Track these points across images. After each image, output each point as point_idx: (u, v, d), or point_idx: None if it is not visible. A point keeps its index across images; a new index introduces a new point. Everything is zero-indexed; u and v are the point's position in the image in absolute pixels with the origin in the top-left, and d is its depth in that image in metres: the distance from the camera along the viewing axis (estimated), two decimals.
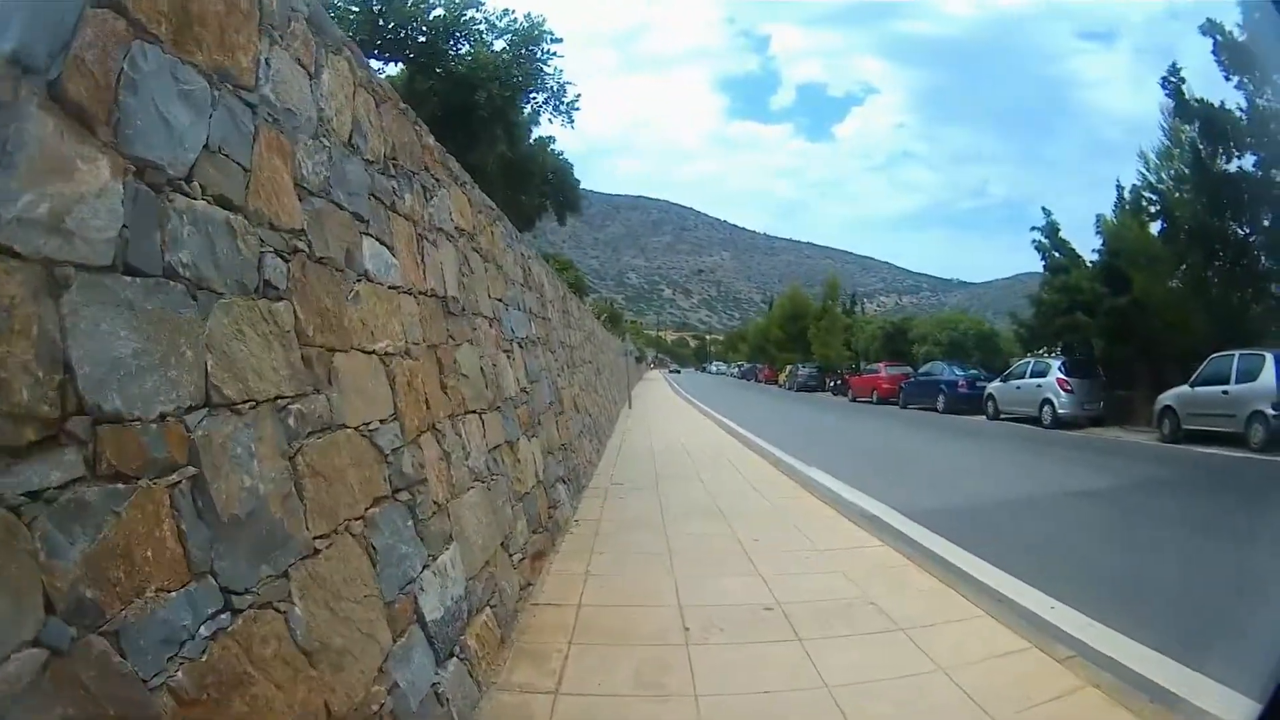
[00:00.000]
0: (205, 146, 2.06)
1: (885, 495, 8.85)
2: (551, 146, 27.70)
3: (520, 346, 6.39)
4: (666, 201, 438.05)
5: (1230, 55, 17.25)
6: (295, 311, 2.49)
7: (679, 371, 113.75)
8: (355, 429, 2.81)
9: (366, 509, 2.76)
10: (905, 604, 4.86)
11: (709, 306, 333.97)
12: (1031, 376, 20.32)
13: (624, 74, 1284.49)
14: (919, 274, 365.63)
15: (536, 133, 26.08)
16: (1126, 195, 21.20)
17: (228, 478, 1.95)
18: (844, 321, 48.54)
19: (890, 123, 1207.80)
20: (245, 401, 2.09)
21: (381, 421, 3.04)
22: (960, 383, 24.92)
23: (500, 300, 5.87)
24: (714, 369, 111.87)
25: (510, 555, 4.56)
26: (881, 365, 33.81)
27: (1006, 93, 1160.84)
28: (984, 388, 23.33)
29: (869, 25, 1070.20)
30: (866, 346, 43.12)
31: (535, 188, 26.54)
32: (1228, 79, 17.52)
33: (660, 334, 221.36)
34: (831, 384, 42.40)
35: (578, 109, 24.76)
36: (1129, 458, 13.79)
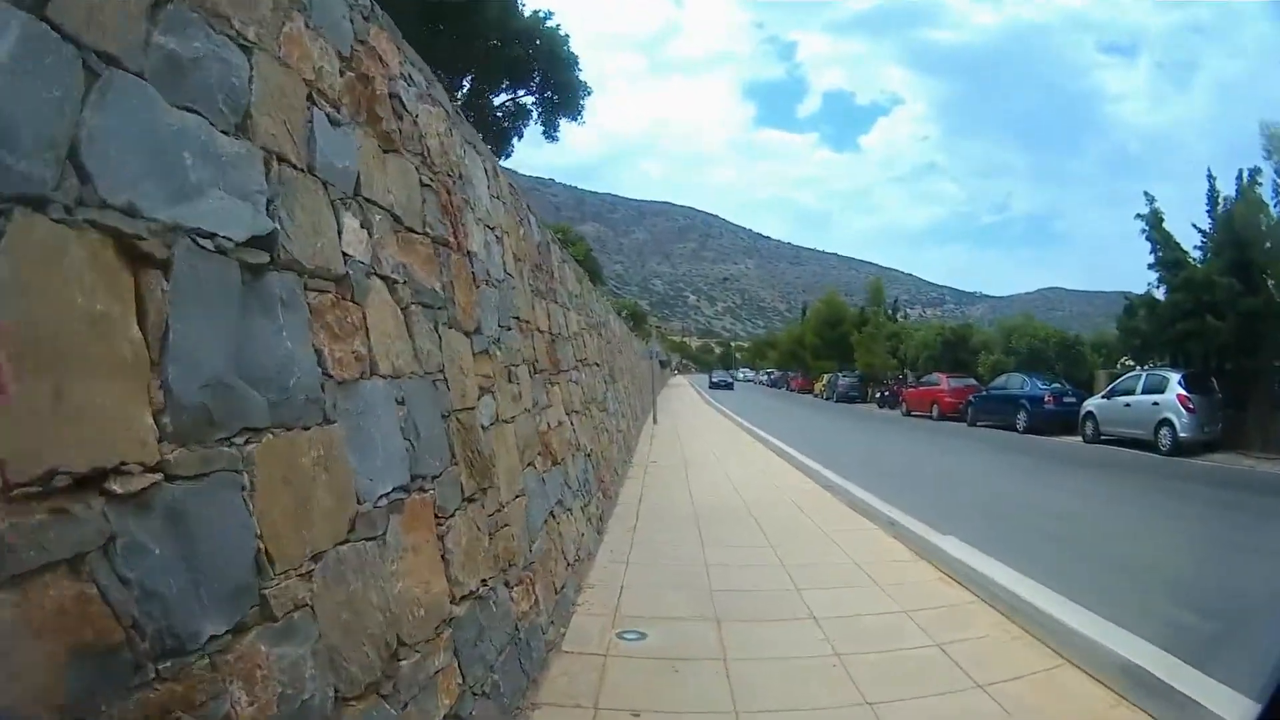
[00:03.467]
0: None
1: (1112, 604, 4.92)
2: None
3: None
4: (691, 208, 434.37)
5: None
6: None
7: (730, 385, 65.56)
8: None
9: None
10: None
11: (733, 314, 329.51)
12: (1145, 392, 17.08)
13: (651, 77, 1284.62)
14: (942, 286, 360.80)
15: None
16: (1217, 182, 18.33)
17: None
18: (890, 328, 43.80)
19: (914, 134, 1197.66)
20: None
21: None
22: (1045, 398, 21.32)
23: None
24: (741, 375, 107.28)
25: None
26: (942, 377, 29.50)
27: (1029, 105, 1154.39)
28: (1072, 404, 20.38)
29: (894, 33, 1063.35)
30: (916, 355, 38.39)
31: (497, 60, 16.59)
32: None
33: (684, 340, 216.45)
34: (877, 395, 38.11)
35: None
36: None
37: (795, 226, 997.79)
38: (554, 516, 5.04)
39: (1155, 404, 16.40)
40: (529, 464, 4.67)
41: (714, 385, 63.26)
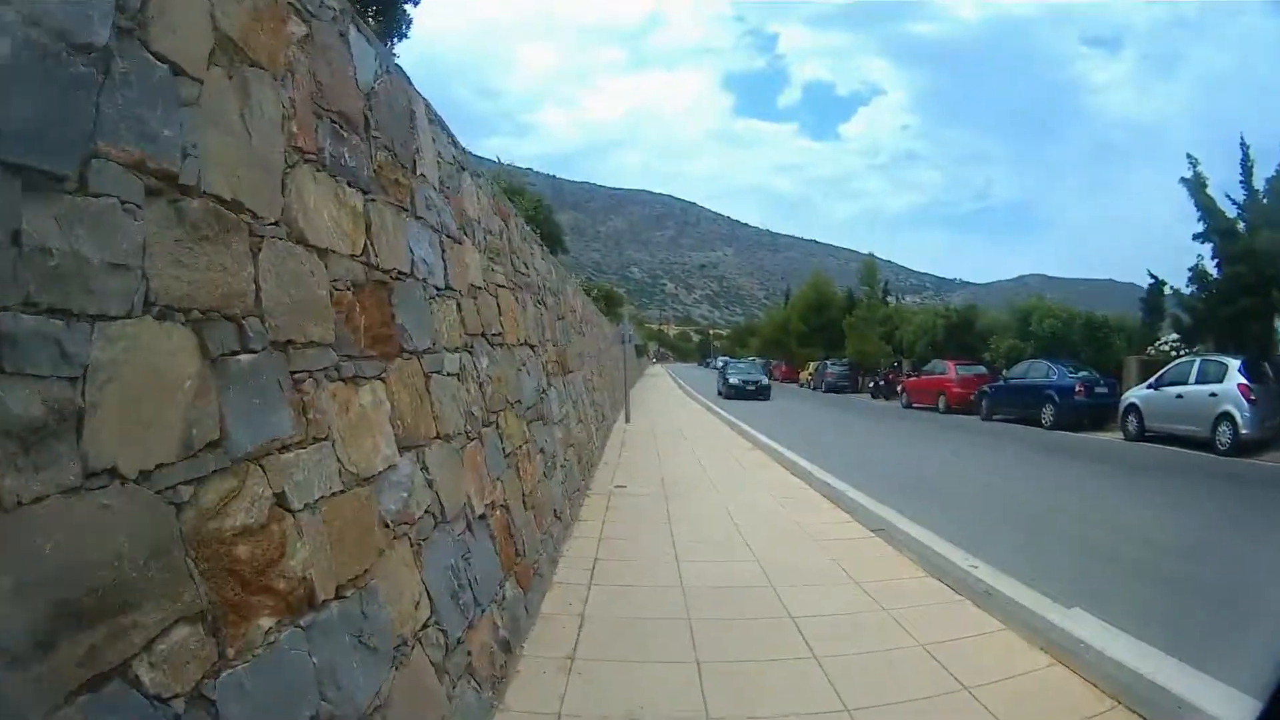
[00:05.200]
0: None
1: None
2: None
3: None
4: (670, 196, 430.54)
5: None
6: None
7: (765, 392, 32.20)
8: None
9: None
10: None
11: (711, 302, 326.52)
12: (1199, 381, 14.70)
13: (632, 69, 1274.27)
14: (922, 273, 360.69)
15: None
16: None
17: None
18: (883, 311, 40.48)
19: (895, 123, 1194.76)
20: None
21: None
22: (1077, 388, 18.78)
23: None
24: (721, 364, 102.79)
25: None
26: (950, 364, 26.41)
27: (1010, 96, 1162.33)
28: (1104, 394, 18.46)
29: (876, 26, 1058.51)
30: (914, 341, 35.14)
31: None
32: None
33: (662, 328, 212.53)
34: (871, 384, 34.88)
35: None
36: None
37: (774, 213, 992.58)
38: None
39: (1213, 395, 14.01)
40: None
41: (733, 392, 31.23)
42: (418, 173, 3.69)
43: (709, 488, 8.82)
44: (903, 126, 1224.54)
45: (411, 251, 3.37)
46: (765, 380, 32.40)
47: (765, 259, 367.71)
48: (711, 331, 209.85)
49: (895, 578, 5.39)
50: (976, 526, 7.09)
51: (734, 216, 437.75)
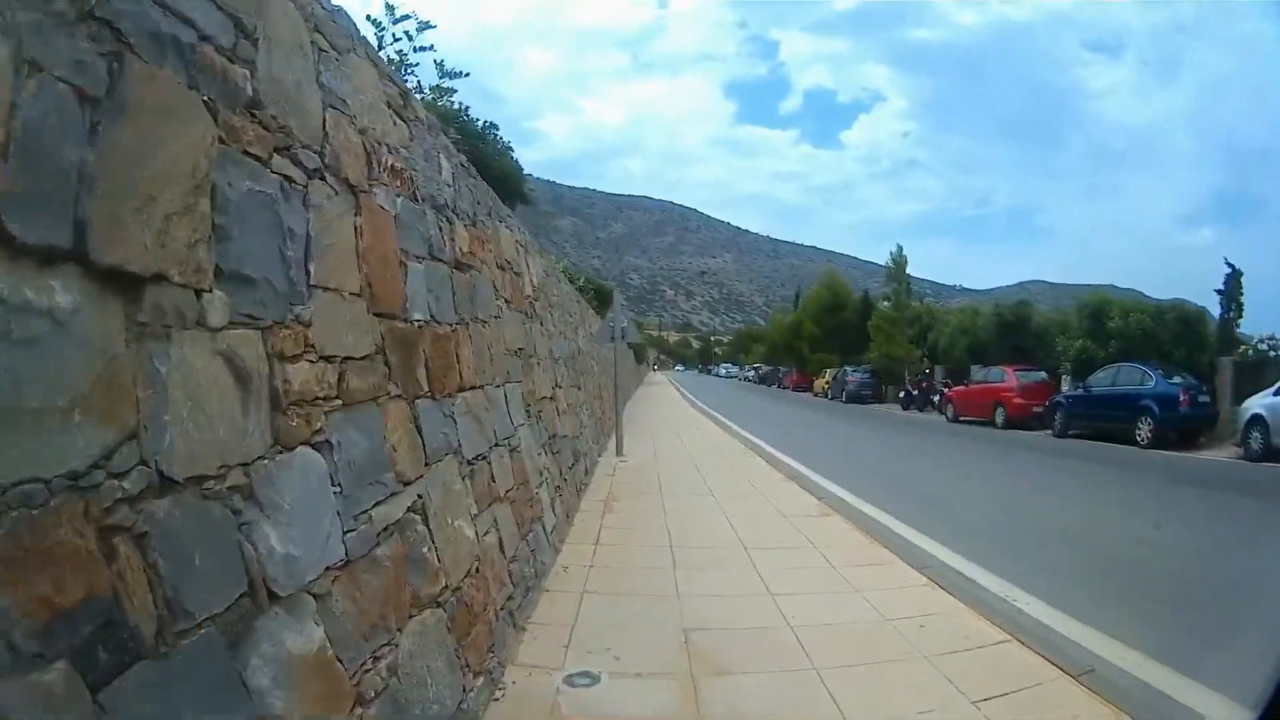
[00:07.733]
0: None
1: None
2: None
3: None
4: (670, 202, 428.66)
5: None
6: None
7: None
8: None
9: None
10: None
11: (711, 309, 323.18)
12: None
13: (634, 76, 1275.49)
14: (922, 279, 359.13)
15: None
16: None
17: None
18: (914, 311, 36.05)
19: (896, 130, 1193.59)
20: None
21: None
22: (1181, 397, 15.59)
23: None
24: (722, 371, 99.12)
25: None
26: (1008, 370, 22.02)
27: (1012, 101, 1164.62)
28: (1206, 404, 16.02)
29: (877, 32, 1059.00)
30: (950, 344, 30.79)
31: None
32: None
33: (662, 334, 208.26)
34: (901, 394, 30.54)
35: None
36: None
37: (776, 221, 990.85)
38: None
39: None
40: None
41: None
42: None
43: (806, 672, 3.68)
44: (904, 133, 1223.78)
45: None
46: None
47: (764, 265, 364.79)
48: (712, 338, 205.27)
49: None
50: None
51: (735, 223, 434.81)
